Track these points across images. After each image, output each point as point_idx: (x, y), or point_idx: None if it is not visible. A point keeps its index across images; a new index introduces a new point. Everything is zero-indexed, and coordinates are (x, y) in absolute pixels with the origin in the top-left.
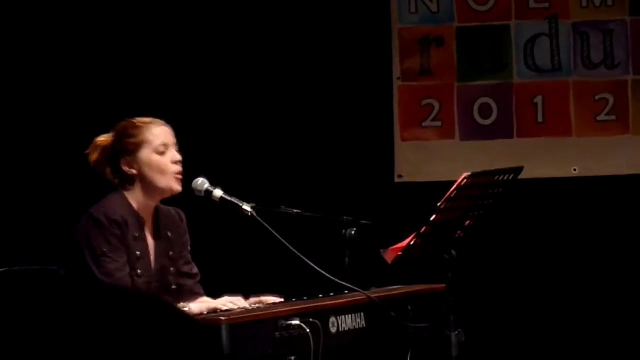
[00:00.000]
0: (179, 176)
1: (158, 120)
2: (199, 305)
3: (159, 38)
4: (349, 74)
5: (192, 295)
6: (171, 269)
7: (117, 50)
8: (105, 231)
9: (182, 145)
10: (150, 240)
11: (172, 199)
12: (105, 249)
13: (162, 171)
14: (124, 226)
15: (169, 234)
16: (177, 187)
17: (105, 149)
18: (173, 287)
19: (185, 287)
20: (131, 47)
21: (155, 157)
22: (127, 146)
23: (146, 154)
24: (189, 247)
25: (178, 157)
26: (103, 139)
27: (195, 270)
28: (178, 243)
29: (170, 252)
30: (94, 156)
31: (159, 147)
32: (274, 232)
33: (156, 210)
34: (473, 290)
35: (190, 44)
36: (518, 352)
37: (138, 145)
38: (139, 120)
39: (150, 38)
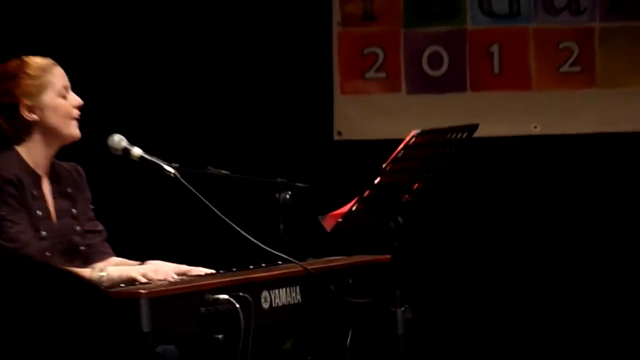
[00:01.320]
0: (77, 121)
1: (51, 60)
2: (119, 270)
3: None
4: (284, 19)
5: (102, 255)
6: (77, 228)
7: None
8: (1, 193)
9: (94, 98)
10: (50, 199)
11: (88, 159)
12: (3, 213)
13: (66, 116)
14: (19, 185)
15: (69, 190)
16: (79, 133)
17: None
18: (82, 248)
19: (93, 247)
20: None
21: (60, 101)
22: (29, 88)
23: (51, 97)
24: (91, 205)
25: (80, 101)
26: None
27: (100, 227)
28: (80, 200)
29: (74, 210)
30: None
31: (62, 90)
32: (200, 196)
33: (52, 166)
34: (422, 262)
35: (115, 4)
36: (469, 330)
37: (41, 88)
38: (35, 60)
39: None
